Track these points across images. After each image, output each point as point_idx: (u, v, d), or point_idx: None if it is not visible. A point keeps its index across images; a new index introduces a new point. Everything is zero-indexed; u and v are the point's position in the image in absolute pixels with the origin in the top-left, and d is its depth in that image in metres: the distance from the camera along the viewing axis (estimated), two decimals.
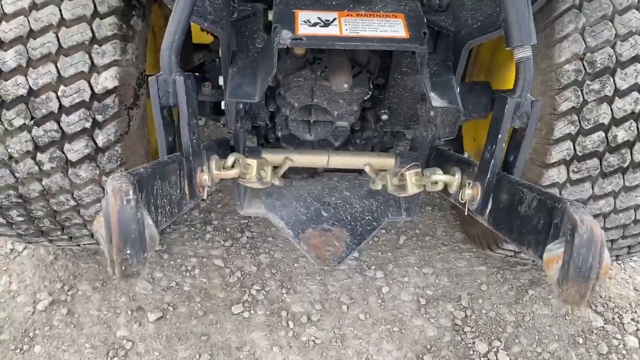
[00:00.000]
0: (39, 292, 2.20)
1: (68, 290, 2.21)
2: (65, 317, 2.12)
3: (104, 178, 1.69)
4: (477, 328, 2.16)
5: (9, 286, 2.22)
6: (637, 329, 2.18)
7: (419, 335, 2.13)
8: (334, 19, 1.46)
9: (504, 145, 1.29)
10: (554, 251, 0.86)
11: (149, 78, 1.25)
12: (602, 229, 1.60)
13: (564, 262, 0.82)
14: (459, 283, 2.33)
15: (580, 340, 2.14)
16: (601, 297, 2.30)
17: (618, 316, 2.23)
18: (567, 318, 2.22)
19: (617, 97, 1.64)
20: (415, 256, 2.44)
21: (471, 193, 1.36)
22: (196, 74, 2.01)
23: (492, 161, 1.29)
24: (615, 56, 1.63)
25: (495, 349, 2.09)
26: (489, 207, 1.30)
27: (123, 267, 0.79)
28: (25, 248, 2.36)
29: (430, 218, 2.63)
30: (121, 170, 1.67)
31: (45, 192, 1.70)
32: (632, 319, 2.22)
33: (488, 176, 1.30)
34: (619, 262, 2.34)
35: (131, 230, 0.79)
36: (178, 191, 1.23)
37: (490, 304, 2.26)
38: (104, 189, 1.71)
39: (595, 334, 2.17)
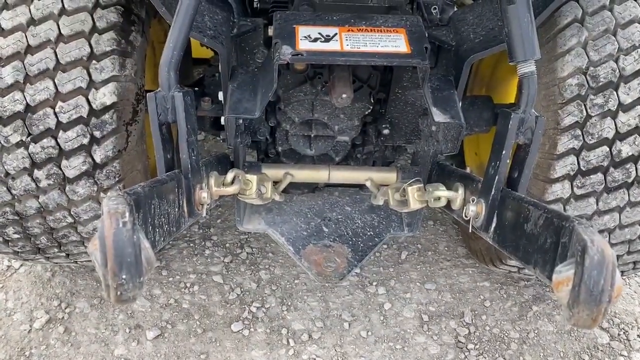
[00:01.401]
0: (36, 310, 2.16)
1: (65, 308, 2.17)
2: (62, 335, 2.08)
3: (101, 195, 1.67)
4: (481, 345, 2.13)
5: (5, 304, 2.19)
6: None
7: (422, 353, 2.09)
8: (335, 34, 1.44)
9: (508, 161, 1.27)
10: (564, 273, 0.83)
11: (147, 94, 1.23)
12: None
13: (574, 284, 0.80)
14: (462, 299, 2.29)
15: (586, 358, 2.10)
16: (607, 314, 2.26)
17: (624, 332, 2.20)
18: (572, 335, 2.18)
19: (620, 112, 1.62)
20: (418, 272, 2.41)
21: (475, 210, 1.33)
22: (195, 88, 2.00)
23: (496, 177, 1.26)
24: (619, 70, 1.62)
25: None
26: (494, 224, 1.28)
27: (118, 292, 0.76)
28: (21, 265, 2.33)
29: (432, 233, 2.60)
30: (118, 189, 1.65)
31: (42, 209, 1.68)
32: (638, 335, 2.18)
33: (492, 192, 1.27)
34: (624, 277, 2.30)
35: (127, 254, 0.76)
36: (176, 209, 1.20)
37: (494, 320, 2.22)
38: (101, 205, 1.69)
39: (601, 350, 2.13)
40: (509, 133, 1.23)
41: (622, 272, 2.00)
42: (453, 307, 2.26)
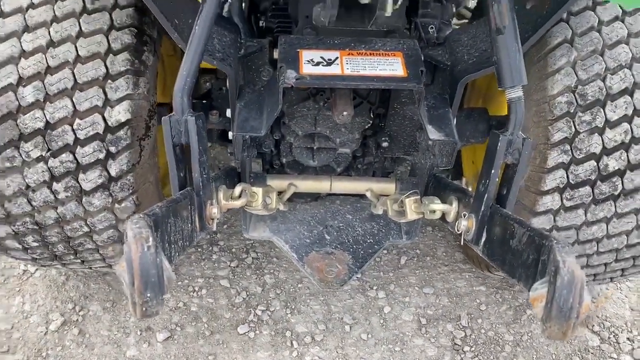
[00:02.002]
0: (51, 313, 2.27)
1: (79, 311, 2.28)
2: (77, 337, 2.19)
3: (116, 205, 1.77)
4: (477, 347, 2.22)
5: (23, 306, 2.29)
6: (633, 348, 2.24)
7: (420, 354, 2.19)
8: (336, 58, 1.54)
9: (497, 179, 1.36)
10: (539, 290, 0.93)
11: (162, 118, 1.32)
12: (584, 268, 1.66)
13: (547, 301, 0.89)
14: (459, 303, 2.39)
15: None
16: (598, 317, 2.36)
17: (614, 335, 2.29)
18: None
19: (607, 128, 1.71)
20: (416, 276, 2.50)
21: (466, 224, 1.43)
22: (204, 101, 2.10)
23: (486, 194, 1.36)
24: (606, 89, 1.70)
25: None
26: (484, 238, 1.37)
27: (144, 308, 0.86)
28: (37, 269, 2.44)
29: (430, 238, 2.69)
30: (132, 200, 1.74)
31: (60, 219, 1.78)
32: (627, 339, 2.27)
33: (482, 209, 1.37)
34: (615, 282, 2.39)
35: (151, 275, 0.86)
36: (189, 225, 1.30)
37: (489, 323, 2.32)
38: (116, 216, 1.79)
39: (592, 353, 2.22)
40: (497, 153, 1.33)
41: (612, 279, 2.09)
42: (450, 310, 2.36)
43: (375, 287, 2.44)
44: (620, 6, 1.68)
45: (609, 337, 2.28)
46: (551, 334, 0.88)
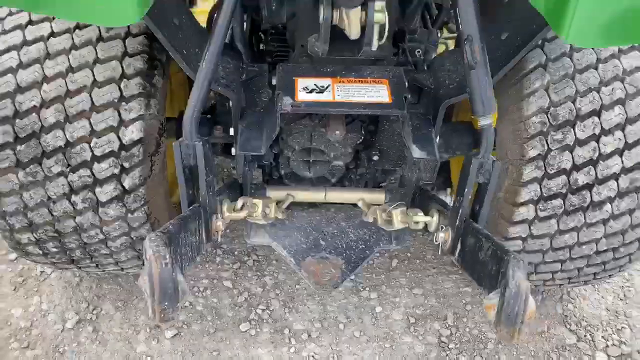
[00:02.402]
0: (67, 312, 2.45)
1: (93, 310, 2.46)
2: (91, 334, 2.37)
3: (129, 215, 1.94)
4: (461, 345, 2.39)
5: (40, 306, 2.47)
6: (607, 346, 2.41)
7: (408, 351, 2.36)
8: (329, 85, 1.71)
9: (470, 197, 1.53)
10: (492, 299, 1.09)
11: (173, 143, 1.49)
12: (558, 272, 1.82)
13: (497, 310, 1.06)
14: (446, 303, 2.56)
15: (554, 357, 2.36)
16: (575, 317, 2.53)
17: (590, 334, 2.46)
18: (543, 336, 2.45)
19: (577, 146, 1.86)
20: (407, 278, 2.68)
21: (443, 236, 1.60)
22: (208, 116, 2.26)
23: (460, 210, 1.52)
24: (576, 110, 1.85)
25: None
26: (458, 249, 1.54)
27: (162, 315, 1.03)
28: (53, 271, 2.61)
29: (420, 242, 2.86)
30: (144, 211, 1.91)
31: (78, 227, 1.94)
32: (602, 337, 2.44)
33: (457, 223, 1.53)
34: (589, 285, 2.56)
35: (168, 288, 1.03)
36: (197, 237, 1.47)
37: (474, 322, 2.49)
38: (129, 225, 1.95)
39: (568, 350, 2.39)
40: (470, 174, 1.49)
41: (585, 282, 2.26)
42: (437, 310, 2.53)
43: (367, 288, 2.61)
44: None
45: (585, 336, 2.45)
46: (501, 337, 1.05)
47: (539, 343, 2.41)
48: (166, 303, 1.02)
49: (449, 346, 2.38)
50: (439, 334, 2.43)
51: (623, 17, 1.34)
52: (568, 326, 2.48)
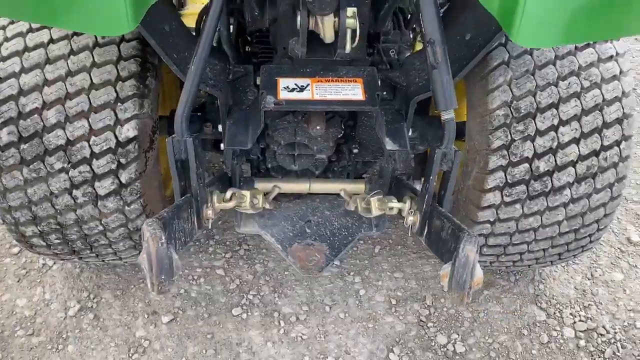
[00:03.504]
0: (69, 300, 2.60)
1: (93, 298, 2.61)
2: (92, 321, 2.52)
3: (126, 208, 2.08)
4: (439, 323, 2.57)
5: (44, 295, 2.62)
6: (574, 322, 2.59)
7: (390, 330, 2.54)
8: (308, 85, 1.86)
9: (434, 183, 1.69)
10: (446, 269, 1.26)
11: (166, 140, 1.64)
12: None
13: (449, 277, 1.22)
14: (425, 285, 2.74)
15: (525, 332, 2.55)
16: (546, 295, 2.71)
17: (559, 311, 2.64)
18: (515, 314, 2.63)
19: (538, 136, 2.01)
20: (388, 263, 2.85)
21: (413, 219, 1.76)
22: (198, 114, 2.41)
23: (427, 195, 1.69)
24: (536, 103, 2.01)
25: (453, 341, 2.50)
26: (426, 230, 1.71)
27: (159, 287, 1.19)
28: (54, 263, 2.76)
29: (402, 230, 3.03)
30: (140, 203, 2.06)
31: (78, 220, 2.09)
32: (570, 314, 2.62)
33: (424, 207, 1.70)
34: (555, 265, 2.72)
35: (164, 264, 1.19)
36: (189, 225, 1.63)
37: (451, 303, 2.66)
38: (126, 216, 2.10)
39: (539, 326, 2.57)
40: (434, 163, 1.65)
41: (552, 262, 2.44)
42: (417, 292, 2.71)
43: (352, 273, 2.78)
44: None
45: (554, 313, 2.63)
46: (453, 301, 1.22)
47: (512, 320, 2.59)
48: (163, 277, 1.18)
49: (428, 325, 2.56)
50: (419, 314, 2.60)
51: (570, 18, 1.49)
52: (539, 304, 2.66)
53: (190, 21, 2.88)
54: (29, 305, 2.59)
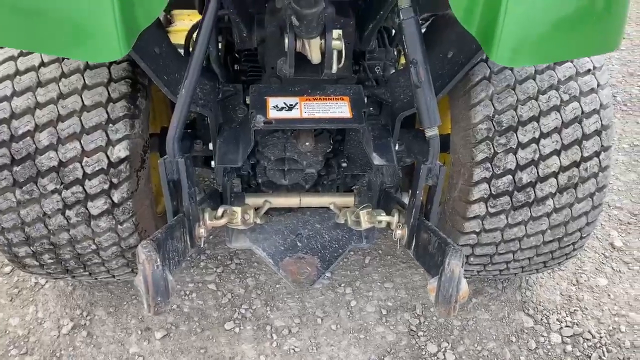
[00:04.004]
0: (62, 318, 2.61)
1: (86, 316, 2.62)
2: (86, 338, 2.54)
3: (119, 226, 2.11)
4: (429, 332, 2.62)
5: (36, 314, 2.63)
6: (561, 328, 2.65)
7: (381, 340, 2.58)
8: (296, 104, 1.91)
9: (421, 198, 1.74)
10: (432, 283, 1.31)
11: (158, 161, 1.68)
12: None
13: (436, 291, 1.27)
14: (415, 295, 2.78)
15: (514, 339, 2.60)
16: (533, 302, 2.77)
17: (546, 317, 2.70)
18: (503, 321, 2.68)
19: (520, 149, 2.07)
20: (379, 273, 2.89)
21: (401, 232, 1.81)
22: (189, 130, 2.44)
23: (413, 209, 1.74)
24: (517, 117, 2.07)
25: (443, 349, 2.54)
26: (413, 244, 1.76)
27: (156, 309, 1.22)
28: (47, 281, 2.77)
29: (391, 240, 3.06)
30: (132, 222, 2.09)
31: (72, 240, 2.11)
32: (557, 319, 2.68)
33: (412, 220, 1.75)
34: (541, 272, 2.78)
35: (160, 286, 1.22)
36: (182, 244, 1.66)
37: (438, 315, 2.71)
38: (119, 235, 2.12)
39: (526, 333, 2.63)
40: (420, 178, 1.71)
41: (537, 270, 2.50)
42: (407, 301, 2.75)
43: (343, 285, 2.82)
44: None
45: (541, 319, 2.69)
46: (440, 314, 1.26)
47: (500, 327, 2.65)
48: (159, 298, 1.21)
49: (418, 334, 2.60)
50: (409, 324, 2.65)
51: (546, 38, 1.56)
52: (526, 311, 2.72)
53: (178, 37, 2.93)
54: (21, 324, 2.59)
